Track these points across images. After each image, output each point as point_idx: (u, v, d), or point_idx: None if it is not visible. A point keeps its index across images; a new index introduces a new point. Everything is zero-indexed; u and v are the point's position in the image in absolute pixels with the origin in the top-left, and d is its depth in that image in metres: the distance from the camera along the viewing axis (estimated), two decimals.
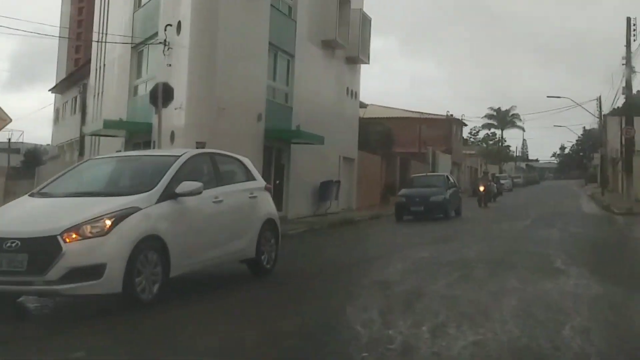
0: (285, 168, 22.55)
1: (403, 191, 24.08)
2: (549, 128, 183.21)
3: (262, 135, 20.46)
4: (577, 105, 42.13)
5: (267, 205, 9.69)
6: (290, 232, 17.72)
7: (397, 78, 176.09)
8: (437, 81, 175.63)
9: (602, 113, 44.25)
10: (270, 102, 21.19)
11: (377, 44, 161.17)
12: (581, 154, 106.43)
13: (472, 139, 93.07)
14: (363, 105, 36.37)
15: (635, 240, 15.56)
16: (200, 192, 7.88)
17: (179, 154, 8.43)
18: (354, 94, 28.87)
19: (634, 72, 25.45)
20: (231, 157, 9.68)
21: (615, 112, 51.38)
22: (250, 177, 9.63)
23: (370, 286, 8.65)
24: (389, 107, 49.82)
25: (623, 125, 31.23)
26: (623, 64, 26.03)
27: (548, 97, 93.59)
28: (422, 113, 48.09)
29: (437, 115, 50.02)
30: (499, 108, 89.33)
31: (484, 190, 30.99)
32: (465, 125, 57.91)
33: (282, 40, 22.01)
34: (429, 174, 30.52)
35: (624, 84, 25.93)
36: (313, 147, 23.22)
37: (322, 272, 10.11)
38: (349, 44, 26.38)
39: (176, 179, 7.85)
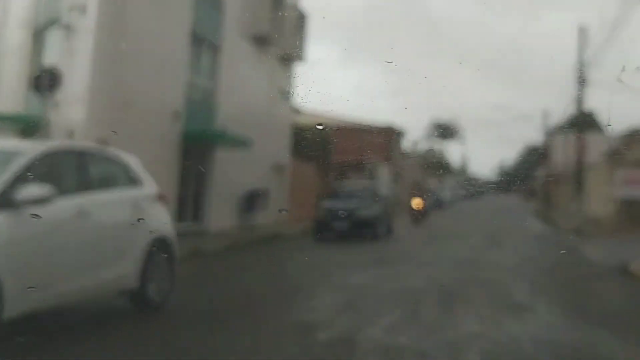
0: (208, 174, 20.43)
1: (324, 203, 20.43)
2: (491, 141, 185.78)
3: (180, 136, 18.35)
4: (522, 118, 41.35)
5: (158, 219, 7.63)
6: (207, 248, 15.68)
7: (339, 87, 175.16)
8: (380, 91, 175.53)
9: (547, 127, 43.74)
10: (191, 100, 19.10)
11: (320, 51, 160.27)
12: (522, 169, 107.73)
13: (412, 151, 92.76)
14: (299, 111, 34.61)
15: (594, 265, 14.16)
16: (49, 200, 5.80)
17: (26, 148, 6.29)
18: (287, 96, 27.01)
19: (586, 83, 24.52)
20: (109, 154, 7.56)
21: (560, 128, 51.25)
22: (136, 182, 7.55)
23: (288, 331, 6.72)
24: (328, 114, 48.18)
25: (573, 139, 30.45)
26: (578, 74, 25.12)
27: (493, 108, 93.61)
28: (362, 122, 46.58)
29: (378, 124, 48.63)
30: (441, 120, 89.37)
31: (419, 205, 28.75)
32: (406, 135, 56.81)
33: (207, 31, 19.97)
34: (357, 183, 26.99)
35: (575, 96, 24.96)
36: (240, 152, 21.21)
37: (230, 308, 8.08)
38: (283, 41, 24.55)
39: (19, 182, 5.76)
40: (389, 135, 50.37)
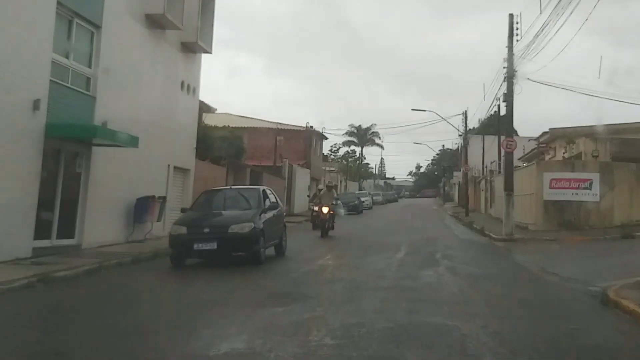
0: (83, 178, 15.90)
1: (185, 216, 14.29)
2: (408, 145, 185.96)
3: (42, 130, 13.80)
4: (442, 119, 38.47)
5: None
6: (59, 273, 11.25)
7: (262, 96, 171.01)
8: (302, 100, 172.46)
9: (467, 129, 41.00)
10: (59, 86, 14.55)
11: (243, 61, 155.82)
12: (436, 173, 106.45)
13: (332, 156, 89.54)
14: (209, 109, 30.39)
15: (561, 290, 10.58)
16: None
17: None
18: (191, 90, 22.62)
19: (516, 76, 21.43)
20: None
21: (474, 130, 49.05)
22: None
23: None
24: (245, 117, 44.12)
25: (491, 141, 27.48)
26: (504, 67, 22.04)
27: (412, 110, 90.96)
28: (280, 123, 42.56)
29: (296, 126, 44.75)
30: (360, 125, 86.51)
31: (328, 213, 21.40)
32: (326, 138, 52.85)
33: (82, 3, 15.48)
34: (233, 187, 18.65)
35: (504, 91, 21.78)
36: (127, 151, 16.81)
37: None
38: (183, 25, 20.23)
39: None
40: (309, 138, 46.55)
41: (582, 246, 18.83)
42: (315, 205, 24.14)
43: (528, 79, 21.90)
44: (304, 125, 45.06)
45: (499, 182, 35.90)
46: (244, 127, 40.32)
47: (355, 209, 41.34)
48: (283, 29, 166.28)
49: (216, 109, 31.49)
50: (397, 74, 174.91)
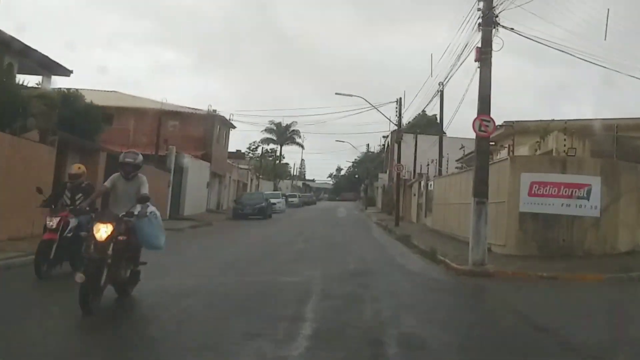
0: None
1: None
2: (329, 143, 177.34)
3: None
4: (372, 107, 30.16)
5: None
6: None
7: (185, 93, 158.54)
8: (226, 100, 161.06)
9: (402, 120, 32.67)
10: None
11: (169, 56, 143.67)
12: (357, 176, 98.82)
13: (250, 154, 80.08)
14: (59, 71, 20.81)
15: None
16: None
17: None
18: None
19: (495, 25, 13.13)
20: None
21: (403, 129, 41.15)
22: None
23: None
24: (135, 96, 34.43)
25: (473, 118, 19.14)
26: (479, 9, 13.60)
27: (336, 94, 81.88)
28: (166, 103, 32.31)
29: (195, 109, 35.10)
30: (280, 123, 77.39)
31: (111, 239, 7.07)
32: (234, 127, 42.78)
33: None
34: None
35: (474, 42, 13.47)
36: None
37: None
38: None
39: None
40: (211, 124, 36.77)
41: (608, 293, 10.76)
42: (54, 216, 9.65)
43: (512, 29, 13.51)
44: (205, 109, 35.48)
45: (439, 186, 27.92)
46: (128, 108, 30.75)
47: (261, 213, 32.41)
48: (212, 28, 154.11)
49: (72, 71, 21.77)
50: (325, 78, 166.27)
